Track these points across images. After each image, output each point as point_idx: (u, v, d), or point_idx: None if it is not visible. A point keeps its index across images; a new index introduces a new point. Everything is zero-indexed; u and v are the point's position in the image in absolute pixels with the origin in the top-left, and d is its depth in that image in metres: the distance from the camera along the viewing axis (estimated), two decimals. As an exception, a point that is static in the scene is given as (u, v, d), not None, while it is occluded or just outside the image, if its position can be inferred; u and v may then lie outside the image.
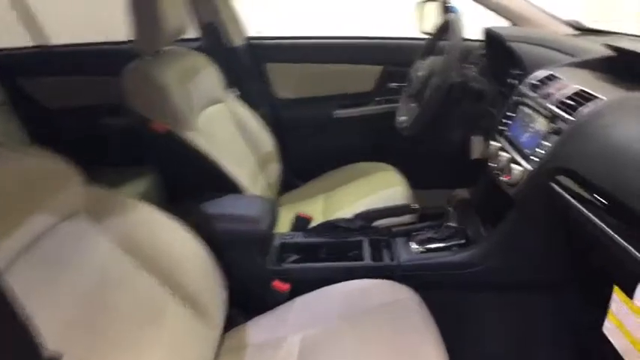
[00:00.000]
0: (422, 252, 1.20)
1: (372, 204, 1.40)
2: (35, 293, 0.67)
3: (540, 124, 0.97)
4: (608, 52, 1.06)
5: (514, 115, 1.10)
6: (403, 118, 1.42)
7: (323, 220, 1.33)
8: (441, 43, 1.39)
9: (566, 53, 1.15)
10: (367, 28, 2.09)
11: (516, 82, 1.19)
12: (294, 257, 1.23)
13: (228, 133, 1.53)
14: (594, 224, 0.72)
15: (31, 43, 1.96)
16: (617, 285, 0.69)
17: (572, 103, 0.89)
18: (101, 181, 0.90)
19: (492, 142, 1.12)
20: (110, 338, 0.74)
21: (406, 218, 1.39)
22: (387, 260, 1.18)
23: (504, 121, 1.13)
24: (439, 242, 1.21)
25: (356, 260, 1.19)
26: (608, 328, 0.70)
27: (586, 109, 0.84)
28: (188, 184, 1.41)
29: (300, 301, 1.06)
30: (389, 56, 1.88)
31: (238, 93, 1.75)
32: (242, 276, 1.10)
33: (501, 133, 1.12)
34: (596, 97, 0.86)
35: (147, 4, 1.20)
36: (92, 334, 0.72)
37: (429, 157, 1.78)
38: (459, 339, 0.94)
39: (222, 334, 0.97)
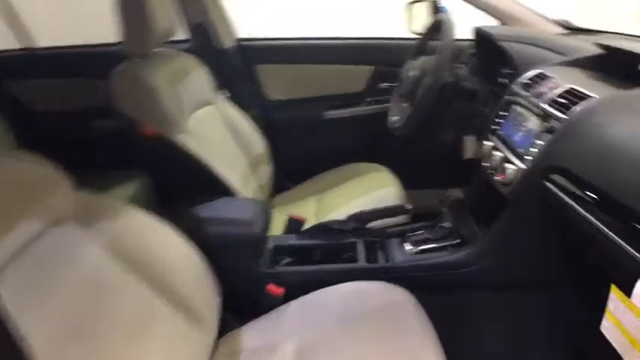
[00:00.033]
0: (416, 253, 1.19)
1: (364, 205, 1.39)
2: (24, 301, 0.66)
3: (533, 123, 0.97)
4: (599, 51, 1.06)
5: (506, 114, 1.10)
6: (395, 118, 1.42)
7: (316, 222, 1.32)
8: (432, 42, 1.39)
9: (557, 52, 1.15)
10: (358, 28, 2.08)
11: (507, 81, 1.19)
12: (288, 260, 1.22)
13: (219, 135, 1.52)
14: (590, 223, 0.71)
15: (17, 46, 1.92)
16: (614, 283, 0.69)
17: (564, 101, 0.89)
18: (90, 186, 0.88)
19: (485, 142, 1.12)
20: (101, 346, 0.72)
21: (400, 219, 1.38)
22: (381, 262, 1.18)
23: (497, 120, 1.13)
24: (433, 243, 1.21)
25: (350, 262, 1.18)
26: (606, 327, 0.70)
27: (579, 108, 0.84)
28: (179, 187, 1.39)
29: (294, 304, 1.05)
30: (380, 56, 1.88)
31: (229, 95, 1.73)
32: (235, 280, 1.09)
33: (494, 132, 1.12)
34: (588, 95, 0.86)
35: (135, 6, 1.18)
36: (82, 342, 0.70)
37: (421, 157, 1.78)
38: (455, 339, 0.94)
39: (216, 340, 0.96)
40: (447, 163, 1.51)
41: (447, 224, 1.27)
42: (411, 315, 0.97)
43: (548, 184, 0.85)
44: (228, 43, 1.84)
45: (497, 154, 1.05)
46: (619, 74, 0.97)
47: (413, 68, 1.35)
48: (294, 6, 3.57)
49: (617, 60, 1.00)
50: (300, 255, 1.23)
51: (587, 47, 1.11)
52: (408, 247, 1.21)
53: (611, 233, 0.67)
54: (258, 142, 1.65)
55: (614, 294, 0.68)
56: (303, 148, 1.97)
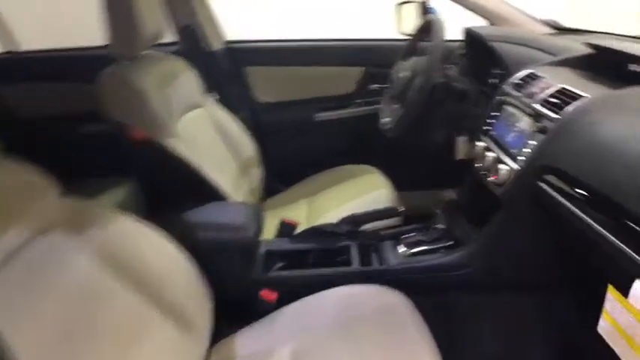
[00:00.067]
0: (410, 255, 1.19)
1: (357, 207, 1.38)
2: (10, 312, 0.64)
3: (525, 123, 0.97)
4: (588, 51, 1.07)
5: (498, 114, 1.10)
6: (386, 119, 1.42)
7: (308, 226, 1.30)
8: (422, 43, 1.39)
9: (547, 52, 1.15)
10: (346, 29, 2.08)
11: (498, 81, 1.19)
12: (281, 264, 1.20)
13: (208, 139, 1.50)
14: (584, 222, 0.71)
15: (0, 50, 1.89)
16: (610, 283, 0.69)
17: (556, 101, 0.90)
18: (78, 192, 0.86)
19: (478, 143, 1.12)
20: (90, 353, 0.70)
21: (393, 221, 1.38)
22: (375, 265, 1.17)
23: (489, 121, 1.13)
24: (427, 245, 1.21)
25: (344, 265, 1.17)
26: (603, 328, 0.70)
27: (572, 107, 0.84)
28: (169, 192, 1.37)
29: (289, 309, 1.04)
30: (369, 58, 1.87)
31: (218, 97, 1.71)
32: (228, 286, 1.07)
33: (486, 133, 1.12)
34: (580, 95, 0.86)
35: (123, 8, 1.16)
36: (71, 349, 0.68)
37: (413, 159, 1.78)
38: (450, 341, 0.94)
39: (208, 348, 0.94)
40: (439, 165, 1.51)
41: (440, 226, 1.27)
42: (406, 318, 0.96)
43: (542, 185, 0.85)
44: (216, 46, 1.83)
45: (490, 154, 1.05)
46: (609, 74, 0.97)
47: (403, 69, 1.35)
48: (283, 8, 3.56)
49: (606, 59, 1.01)
50: (293, 259, 1.22)
51: (577, 47, 1.11)
52: (401, 249, 1.20)
53: (606, 233, 0.67)
54: (248, 145, 1.64)
55: (611, 294, 0.68)
56: (293, 151, 1.95)
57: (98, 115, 1.26)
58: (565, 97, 0.88)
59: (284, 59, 1.89)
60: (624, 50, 0.94)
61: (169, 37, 1.76)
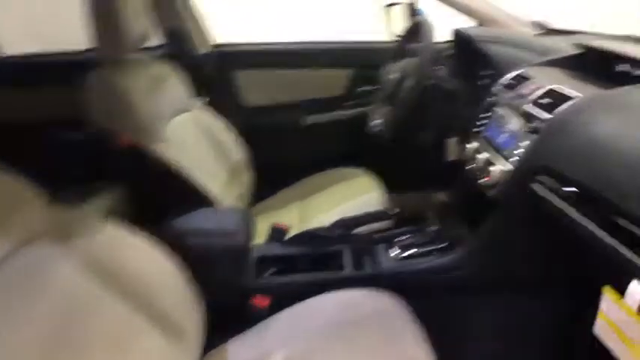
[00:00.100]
0: (404, 258, 1.18)
1: (348, 211, 1.37)
2: None
3: (516, 123, 0.97)
4: (577, 51, 1.07)
5: (489, 115, 1.10)
6: (377, 121, 1.41)
7: (299, 230, 1.29)
8: (411, 45, 1.38)
9: (536, 52, 1.16)
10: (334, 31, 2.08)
11: (487, 82, 1.19)
12: (273, 270, 1.19)
13: (196, 143, 1.48)
14: (578, 223, 0.71)
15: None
16: (606, 284, 0.68)
17: (547, 102, 0.90)
18: (64, 200, 0.84)
19: (468, 145, 1.12)
20: None
21: (385, 224, 1.37)
22: (369, 268, 1.16)
23: (479, 122, 1.12)
24: (420, 247, 1.20)
25: (337, 270, 1.16)
26: (600, 328, 0.69)
27: (564, 107, 0.84)
28: (156, 198, 1.35)
29: (282, 315, 1.02)
30: (358, 59, 1.87)
31: (206, 101, 1.69)
32: (219, 293, 1.05)
33: (477, 134, 1.11)
34: (571, 95, 0.86)
35: (107, 10, 1.14)
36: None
37: (404, 161, 1.78)
38: (446, 343, 0.93)
39: (200, 358, 0.92)
40: (430, 166, 1.50)
41: (433, 228, 1.26)
42: (401, 321, 0.95)
43: (534, 185, 0.84)
44: (204, 49, 1.81)
45: (481, 156, 1.05)
46: (598, 74, 0.98)
47: (393, 71, 1.35)
48: (269, 8, 3.56)
49: (595, 59, 1.01)
50: (286, 264, 1.20)
51: (566, 47, 1.12)
52: (394, 252, 1.19)
53: (601, 232, 0.66)
54: (236, 149, 1.62)
55: (608, 295, 0.68)
56: (283, 155, 1.94)
57: (84, 121, 1.23)
58: (556, 97, 0.88)
59: (272, 62, 1.88)
60: (613, 50, 0.95)
61: (156, 40, 1.73)
